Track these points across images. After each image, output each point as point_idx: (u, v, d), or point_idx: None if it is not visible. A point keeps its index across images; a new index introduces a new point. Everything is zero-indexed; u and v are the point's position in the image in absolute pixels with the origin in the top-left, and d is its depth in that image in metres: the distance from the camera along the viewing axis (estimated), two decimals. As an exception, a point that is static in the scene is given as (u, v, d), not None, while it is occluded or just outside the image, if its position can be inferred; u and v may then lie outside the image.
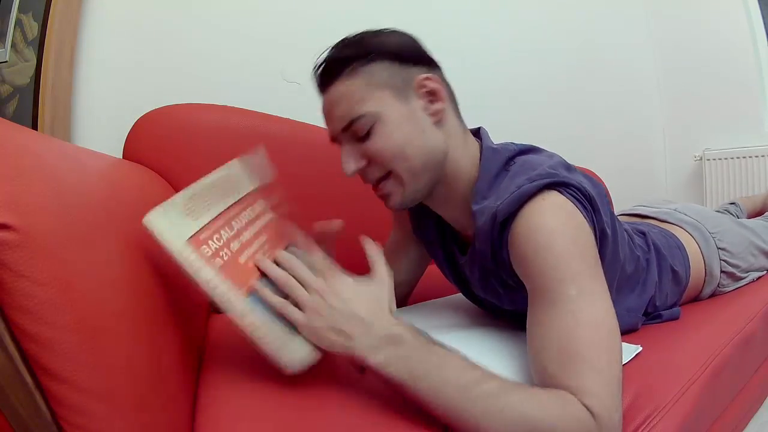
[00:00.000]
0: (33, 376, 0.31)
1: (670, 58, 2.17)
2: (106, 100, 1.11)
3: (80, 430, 0.32)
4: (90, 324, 0.34)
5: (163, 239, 0.43)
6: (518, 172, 0.57)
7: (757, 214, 1.47)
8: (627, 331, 0.70)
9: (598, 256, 0.52)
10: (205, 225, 0.48)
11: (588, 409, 0.42)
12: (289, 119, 1.16)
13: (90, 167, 0.54)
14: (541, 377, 0.47)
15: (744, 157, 1.89)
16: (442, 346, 0.46)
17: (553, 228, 0.49)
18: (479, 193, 0.59)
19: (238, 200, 0.56)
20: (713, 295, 0.89)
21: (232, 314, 0.44)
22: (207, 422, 0.46)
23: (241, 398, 0.49)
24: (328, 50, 0.61)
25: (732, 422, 0.75)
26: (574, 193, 0.53)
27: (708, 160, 2.00)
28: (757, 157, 1.86)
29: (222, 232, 0.50)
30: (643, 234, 0.82)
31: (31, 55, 1.04)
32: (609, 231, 0.57)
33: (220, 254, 0.47)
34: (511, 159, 0.60)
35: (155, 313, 0.50)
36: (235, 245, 0.50)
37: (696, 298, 0.89)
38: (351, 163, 0.59)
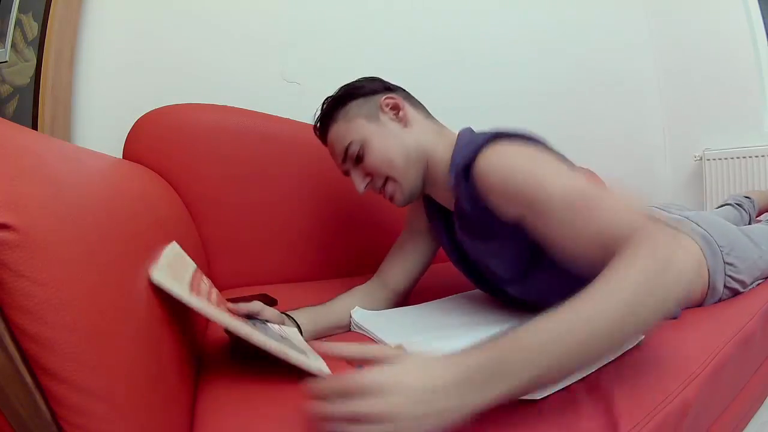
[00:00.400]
0: (33, 376, 0.31)
1: (670, 58, 2.16)
2: (106, 100, 1.11)
3: (80, 430, 0.32)
4: (90, 324, 0.34)
5: (176, 294, 0.47)
6: (477, 136, 0.69)
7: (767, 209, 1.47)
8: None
9: (558, 156, 0.63)
10: (189, 282, 0.54)
11: (625, 243, 0.45)
12: (289, 119, 1.16)
13: (90, 167, 0.54)
14: (586, 262, 0.50)
15: (744, 157, 1.89)
16: (507, 335, 0.41)
17: (507, 157, 0.61)
18: (452, 164, 0.71)
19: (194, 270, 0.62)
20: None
21: (256, 342, 0.49)
22: (207, 422, 0.46)
23: (241, 398, 0.49)
24: (319, 109, 0.83)
25: (732, 422, 0.75)
26: (521, 140, 0.64)
27: (708, 160, 2.00)
28: (757, 157, 1.86)
29: (201, 286, 0.56)
30: None
31: (31, 55, 1.04)
32: None
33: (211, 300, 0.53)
34: (479, 136, 0.70)
35: (155, 312, 0.50)
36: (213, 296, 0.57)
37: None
38: (360, 183, 0.78)
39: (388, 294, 0.87)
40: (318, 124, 0.83)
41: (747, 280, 0.86)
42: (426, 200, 0.87)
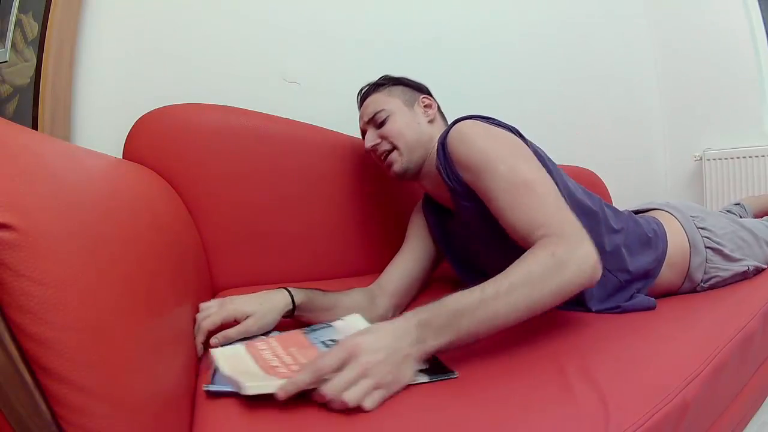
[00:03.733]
0: (33, 376, 0.31)
1: (670, 58, 2.16)
2: (106, 100, 1.11)
3: (80, 429, 0.32)
4: (90, 324, 0.34)
5: (272, 389, 0.46)
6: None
7: (763, 214, 1.47)
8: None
9: (525, 146, 0.74)
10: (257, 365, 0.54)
11: (545, 236, 0.59)
12: (289, 119, 1.16)
13: (90, 167, 0.54)
14: (517, 237, 0.65)
15: (744, 157, 1.89)
16: (445, 302, 0.54)
17: (469, 132, 0.73)
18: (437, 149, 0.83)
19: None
20: (708, 275, 0.90)
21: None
22: (207, 422, 0.46)
23: (242, 397, 0.49)
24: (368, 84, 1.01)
25: (732, 422, 0.75)
26: (492, 121, 0.78)
27: (708, 160, 2.00)
28: (757, 157, 1.86)
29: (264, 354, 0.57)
30: (615, 210, 0.93)
31: (31, 55, 1.04)
32: (546, 161, 0.77)
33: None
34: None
35: (155, 311, 0.50)
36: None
37: (689, 277, 0.89)
38: (370, 140, 0.93)
39: (385, 300, 0.87)
40: (365, 88, 1.01)
41: (728, 244, 0.93)
42: (427, 213, 0.99)
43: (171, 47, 1.18)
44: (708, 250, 0.91)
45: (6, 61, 1.05)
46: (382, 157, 0.93)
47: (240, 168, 1.04)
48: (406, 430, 0.45)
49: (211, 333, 0.64)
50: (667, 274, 0.88)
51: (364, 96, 0.99)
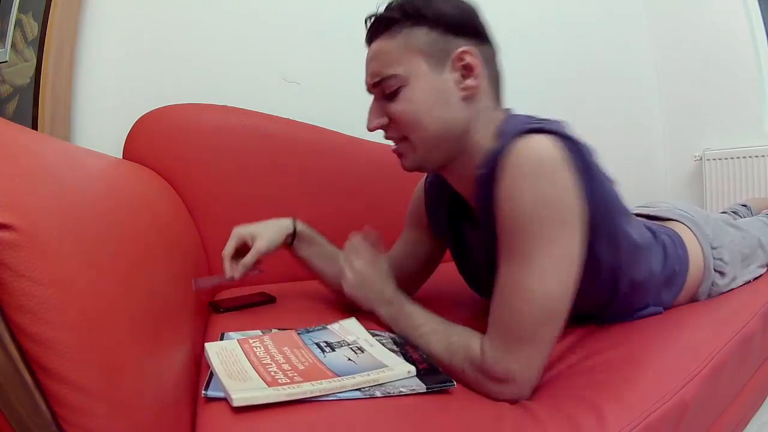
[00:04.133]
0: (33, 376, 0.31)
1: (670, 58, 2.16)
2: (106, 100, 1.11)
3: (80, 429, 0.32)
4: (90, 324, 0.34)
5: (261, 402, 0.46)
6: (521, 123, 0.57)
7: None
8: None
9: (572, 220, 0.53)
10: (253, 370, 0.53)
11: (482, 348, 0.54)
12: (289, 119, 1.16)
13: (90, 167, 0.54)
14: (489, 319, 0.57)
15: (744, 157, 1.89)
16: (411, 306, 0.67)
17: (527, 176, 0.51)
18: (484, 160, 0.59)
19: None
20: (709, 295, 0.89)
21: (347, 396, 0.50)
22: (208, 423, 0.46)
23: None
24: (383, 7, 0.63)
25: (732, 422, 0.75)
26: (568, 146, 0.53)
27: (708, 160, 2.00)
28: (757, 157, 1.86)
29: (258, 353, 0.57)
30: (653, 235, 0.79)
31: (31, 55, 1.04)
32: (605, 205, 0.59)
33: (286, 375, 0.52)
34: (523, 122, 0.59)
35: (155, 312, 0.50)
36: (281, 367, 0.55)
37: (693, 298, 0.89)
38: (373, 119, 0.64)
39: None
40: (372, 22, 0.63)
41: (731, 262, 0.88)
42: (430, 192, 0.81)
43: (171, 47, 1.18)
44: (716, 273, 0.85)
45: (6, 61, 1.05)
46: (391, 141, 0.67)
47: (240, 168, 1.04)
48: None
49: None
50: (679, 297, 0.82)
51: (370, 34, 0.64)
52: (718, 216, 1.03)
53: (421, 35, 0.59)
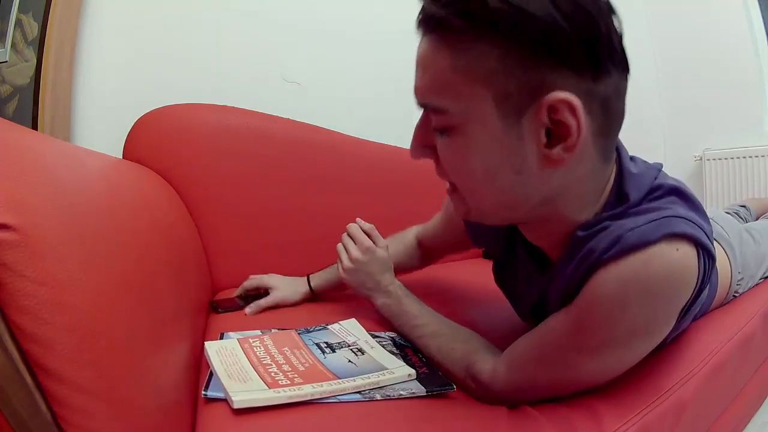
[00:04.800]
0: (33, 376, 0.31)
1: (670, 58, 2.16)
2: (106, 100, 1.11)
3: (80, 430, 0.32)
4: (90, 324, 0.34)
5: (261, 403, 0.46)
6: (660, 207, 0.44)
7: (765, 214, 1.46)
8: None
9: (657, 331, 0.46)
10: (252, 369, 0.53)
11: (494, 370, 0.53)
12: (289, 119, 1.16)
13: (90, 167, 0.54)
14: (518, 340, 0.53)
15: (744, 157, 1.89)
16: (412, 301, 0.67)
17: (653, 293, 0.41)
18: (597, 221, 0.45)
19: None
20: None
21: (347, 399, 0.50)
22: (208, 423, 0.46)
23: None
24: None
25: (732, 422, 0.75)
26: (706, 262, 0.43)
27: (708, 160, 2.00)
28: (757, 157, 1.86)
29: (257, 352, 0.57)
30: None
31: (31, 55, 1.04)
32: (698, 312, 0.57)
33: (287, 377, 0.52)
34: (654, 190, 0.47)
35: (156, 312, 0.50)
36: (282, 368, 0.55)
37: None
38: (414, 148, 0.46)
39: (415, 246, 0.89)
40: (426, 12, 0.40)
41: (745, 286, 0.86)
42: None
43: (171, 47, 1.18)
44: (734, 294, 0.83)
45: (6, 61, 1.05)
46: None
47: (240, 168, 1.04)
48: None
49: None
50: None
51: (423, 27, 0.41)
52: (741, 227, 0.96)
53: (495, 57, 0.37)
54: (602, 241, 0.42)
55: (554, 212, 0.46)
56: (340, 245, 0.75)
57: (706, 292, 0.55)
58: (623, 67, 0.40)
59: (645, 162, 0.52)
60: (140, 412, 0.39)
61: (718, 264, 0.68)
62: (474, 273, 1.05)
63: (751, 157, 1.87)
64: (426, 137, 0.45)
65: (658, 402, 0.50)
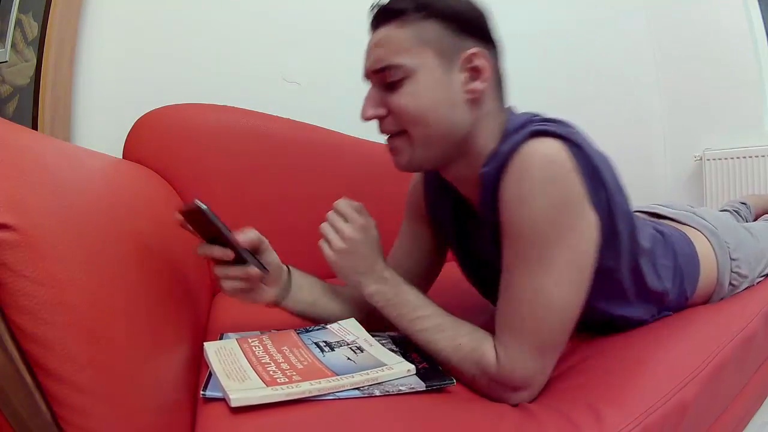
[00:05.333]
0: (33, 376, 0.31)
1: (670, 58, 2.16)
2: (106, 100, 1.11)
3: (80, 430, 0.32)
4: (90, 324, 0.34)
5: (259, 402, 0.46)
6: (527, 123, 0.57)
7: (765, 213, 1.46)
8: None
9: (581, 223, 0.52)
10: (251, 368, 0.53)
11: (497, 355, 0.52)
12: (289, 119, 1.16)
13: (90, 167, 0.54)
14: (495, 319, 0.56)
15: (744, 157, 1.89)
16: (409, 289, 0.61)
17: (537, 177, 0.50)
18: (492, 159, 0.58)
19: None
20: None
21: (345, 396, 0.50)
22: (208, 423, 0.46)
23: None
24: None
25: (732, 422, 0.75)
26: (577, 152, 0.52)
27: (708, 160, 2.00)
28: (757, 157, 1.86)
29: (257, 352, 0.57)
30: (662, 235, 0.77)
31: (31, 55, 1.04)
32: (618, 207, 0.57)
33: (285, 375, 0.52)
34: (525, 122, 0.58)
35: (155, 312, 0.50)
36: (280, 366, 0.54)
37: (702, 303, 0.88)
38: (369, 109, 0.60)
39: None
40: (380, 7, 0.59)
41: (747, 272, 0.86)
42: (429, 182, 0.76)
43: (171, 47, 1.18)
44: (730, 286, 0.84)
45: (6, 61, 1.05)
46: (385, 135, 0.62)
47: (240, 167, 1.04)
48: None
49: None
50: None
51: (376, 20, 0.59)
52: (738, 224, 0.99)
53: (433, 29, 0.56)
54: (494, 169, 0.56)
55: (472, 145, 0.60)
56: (325, 225, 0.64)
57: (616, 188, 0.57)
58: (498, 44, 0.61)
59: (550, 119, 0.61)
60: (140, 412, 0.39)
61: (697, 246, 0.80)
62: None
63: (751, 157, 1.87)
64: (378, 100, 0.59)
65: (661, 403, 0.50)
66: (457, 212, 0.72)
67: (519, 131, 0.55)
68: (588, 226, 0.53)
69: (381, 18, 0.58)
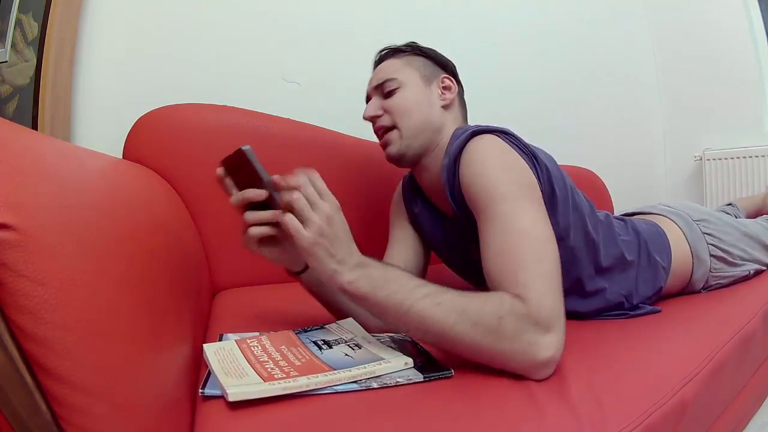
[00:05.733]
0: (33, 376, 0.31)
1: (670, 58, 2.16)
2: (106, 100, 1.11)
3: (80, 430, 0.32)
4: (90, 323, 0.34)
5: (256, 396, 0.46)
6: (466, 129, 0.72)
7: (756, 214, 1.47)
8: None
9: (535, 187, 0.64)
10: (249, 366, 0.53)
11: (519, 296, 0.52)
12: (289, 119, 1.16)
13: (90, 167, 0.54)
14: (489, 284, 0.57)
15: (744, 157, 1.89)
16: (396, 268, 0.57)
17: (485, 156, 0.65)
18: (446, 155, 0.73)
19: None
20: (708, 284, 0.90)
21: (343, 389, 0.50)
22: (208, 422, 0.46)
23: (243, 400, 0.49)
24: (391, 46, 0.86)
25: (732, 422, 0.75)
26: (511, 139, 0.68)
27: (708, 160, 2.00)
28: (757, 157, 1.86)
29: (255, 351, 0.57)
30: (623, 221, 0.88)
31: (31, 55, 1.04)
32: (555, 181, 0.69)
33: (282, 370, 0.52)
34: (467, 128, 0.73)
35: (155, 312, 0.50)
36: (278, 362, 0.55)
37: (689, 285, 0.89)
38: (371, 110, 0.81)
39: None
40: (384, 51, 0.86)
41: (733, 250, 0.92)
42: (407, 188, 0.92)
43: (171, 47, 1.18)
44: (713, 258, 0.90)
45: (6, 61, 1.05)
46: (379, 132, 0.82)
47: (240, 168, 1.04)
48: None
49: None
50: (669, 283, 0.86)
51: (380, 59, 0.86)
52: (709, 209, 1.07)
53: (419, 61, 0.83)
54: (448, 165, 0.71)
55: (439, 139, 0.79)
56: (301, 199, 0.55)
57: (553, 165, 0.71)
58: (460, 83, 0.87)
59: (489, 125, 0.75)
60: (140, 411, 0.39)
61: (662, 226, 0.92)
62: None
63: (751, 157, 1.87)
64: (377, 105, 0.81)
65: (661, 403, 0.50)
66: (434, 218, 0.85)
67: (468, 132, 0.70)
68: (535, 189, 0.63)
69: (384, 55, 0.85)
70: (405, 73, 0.80)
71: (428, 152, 0.79)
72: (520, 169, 0.64)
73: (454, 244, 0.83)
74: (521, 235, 0.56)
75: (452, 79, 0.83)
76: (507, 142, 0.67)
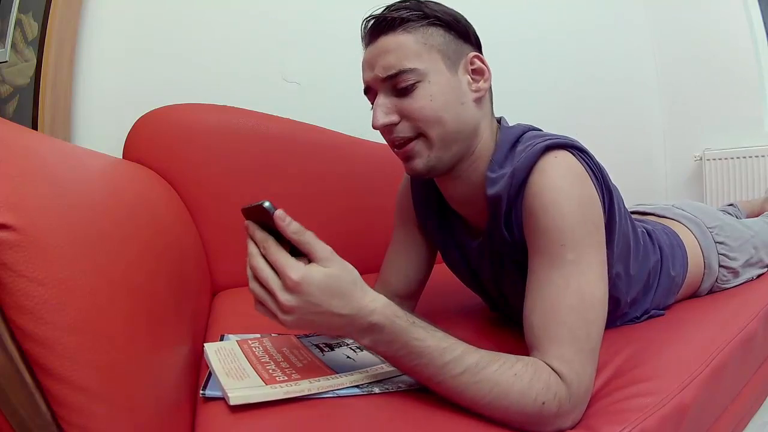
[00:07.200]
0: (33, 376, 0.31)
1: (670, 58, 2.16)
2: (106, 100, 1.11)
3: (80, 430, 0.32)
4: (90, 324, 0.34)
5: (258, 400, 0.46)
6: (531, 138, 0.60)
7: (755, 216, 1.47)
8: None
9: (603, 225, 0.55)
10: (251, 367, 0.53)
11: (558, 373, 0.46)
12: (289, 119, 1.16)
13: (90, 167, 0.54)
14: (528, 334, 0.51)
15: (744, 157, 1.89)
16: (422, 325, 0.47)
17: (561, 187, 0.52)
18: (495, 163, 0.60)
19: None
20: (712, 290, 0.90)
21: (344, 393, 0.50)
22: (208, 423, 0.46)
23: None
24: (383, 8, 0.60)
25: (732, 422, 0.75)
26: (585, 158, 0.57)
27: (708, 160, 2.00)
28: (757, 157, 1.86)
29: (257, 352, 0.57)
30: (649, 234, 0.80)
31: (31, 55, 1.04)
32: (617, 210, 0.61)
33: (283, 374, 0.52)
34: (523, 133, 0.63)
35: (155, 312, 0.50)
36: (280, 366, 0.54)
37: (695, 294, 0.89)
38: (382, 116, 0.58)
39: (390, 298, 0.77)
40: (378, 19, 0.59)
41: (741, 257, 0.90)
42: (417, 198, 0.77)
43: (171, 47, 1.18)
44: (722, 268, 0.88)
45: (6, 61, 1.05)
46: (396, 143, 0.60)
47: (240, 168, 1.04)
48: None
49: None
50: (678, 295, 0.85)
51: (377, 28, 0.59)
52: (721, 212, 1.06)
53: (438, 35, 0.58)
54: (504, 183, 0.57)
55: (476, 144, 0.62)
56: (257, 306, 0.47)
57: (615, 189, 0.62)
58: (481, 48, 0.64)
59: (519, 123, 0.66)
60: (140, 412, 0.39)
61: (681, 236, 0.86)
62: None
63: (751, 157, 1.87)
64: (390, 106, 0.58)
65: (660, 405, 0.50)
66: (451, 227, 0.73)
67: (518, 146, 0.59)
68: (603, 229, 0.55)
69: (383, 27, 0.58)
70: (425, 58, 0.57)
71: (462, 161, 0.62)
72: (593, 206, 0.54)
73: (480, 264, 0.70)
74: (580, 299, 0.49)
75: (482, 58, 0.61)
76: (582, 163, 0.55)
